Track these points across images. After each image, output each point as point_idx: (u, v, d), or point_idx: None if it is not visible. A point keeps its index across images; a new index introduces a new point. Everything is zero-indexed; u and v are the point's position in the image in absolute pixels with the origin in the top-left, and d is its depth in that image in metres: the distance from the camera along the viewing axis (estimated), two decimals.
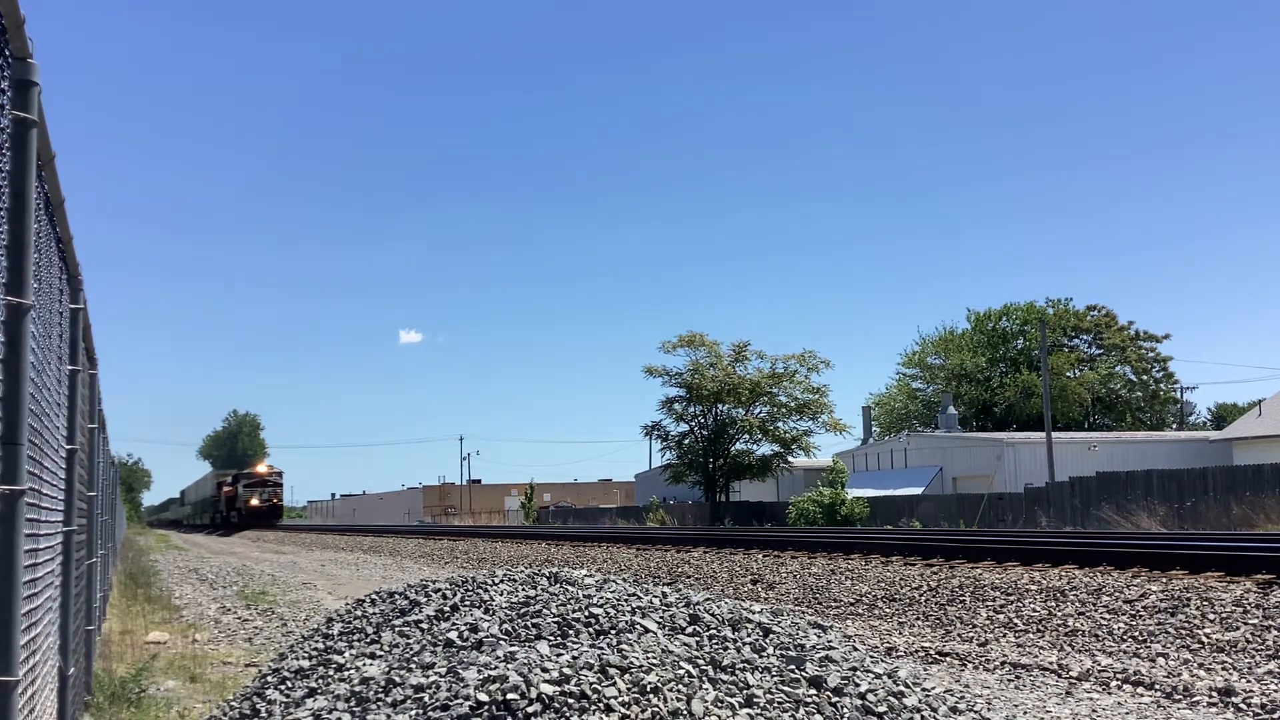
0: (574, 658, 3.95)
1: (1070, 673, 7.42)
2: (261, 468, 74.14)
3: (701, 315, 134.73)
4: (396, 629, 5.06)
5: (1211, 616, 8.75)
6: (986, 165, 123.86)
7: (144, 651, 9.50)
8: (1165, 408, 70.07)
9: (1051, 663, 7.82)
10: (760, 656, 4.32)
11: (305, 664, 4.88)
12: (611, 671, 3.80)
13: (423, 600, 5.48)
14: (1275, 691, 6.47)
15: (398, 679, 4.04)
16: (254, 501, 68.72)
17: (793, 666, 4.24)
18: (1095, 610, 9.58)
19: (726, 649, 4.37)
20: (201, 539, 55.00)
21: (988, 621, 9.98)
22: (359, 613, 5.60)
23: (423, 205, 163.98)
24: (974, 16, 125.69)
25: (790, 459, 51.69)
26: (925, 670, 7.75)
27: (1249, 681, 6.82)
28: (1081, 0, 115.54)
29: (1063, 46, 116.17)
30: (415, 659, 4.32)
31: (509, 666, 3.86)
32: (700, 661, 4.10)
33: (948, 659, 8.30)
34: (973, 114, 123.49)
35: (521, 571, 5.82)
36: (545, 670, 3.79)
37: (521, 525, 56.22)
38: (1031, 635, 9.23)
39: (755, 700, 3.87)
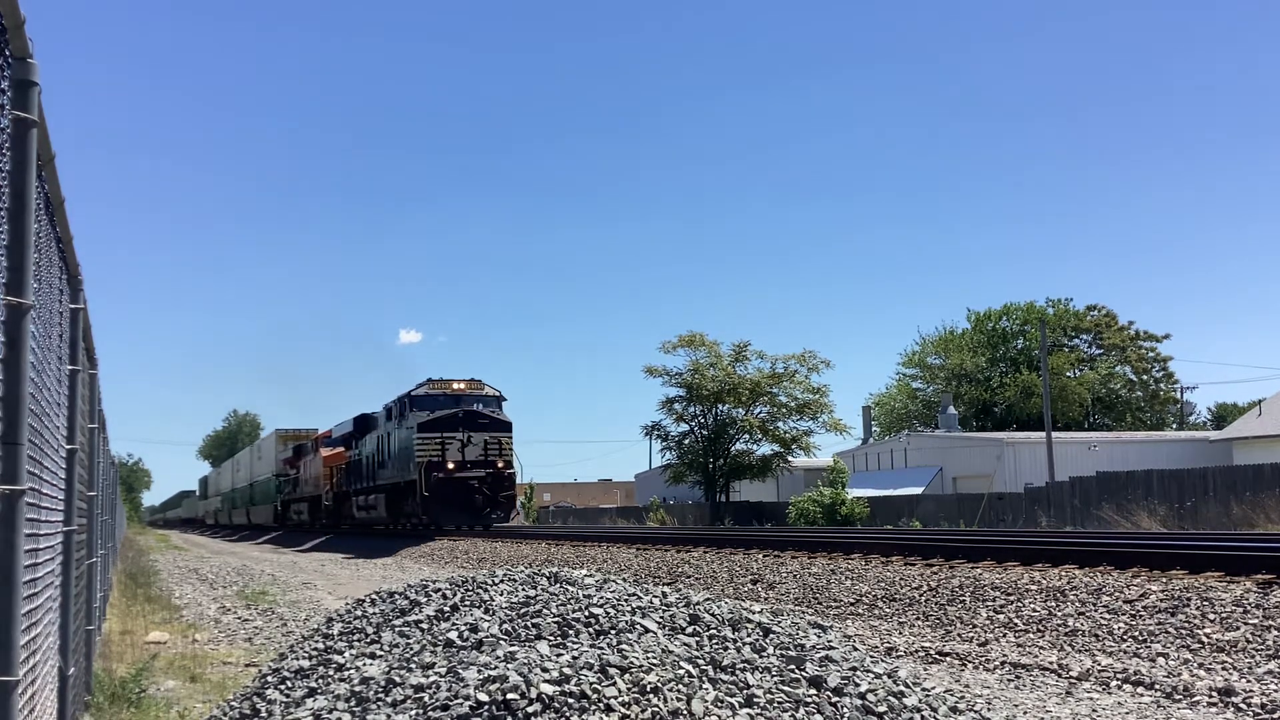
0: (574, 658, 3.95)
1: (1070, 673, 7.42)
2: (458, 381, 31.73)
3: (701, 315, 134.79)
4: (396, 629, 5.06)
5: (1211, 616, 8.74)
6: (986, 164, 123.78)
7: (144, 651, 9.50)
8: (1165, 408, 70.07)
9: (1051, 663, 7.82)
10: (760, 656, 4.32)
11: (305, 664, 4.88)
12: (611, 671, 3.80)
13: (423, 600, 5.48)
14: (1275, 691, 6.47)
15: (398, 679, 4.04)
16: (450, 465, 30.16)
17: (793, 666, 4.24)
18: (1095, 610, 9.58)
19: (726, 649, 4.37)
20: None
21: (988, 621, 9.98)
22: (359, 613, 5.60)
23: (423, 204, 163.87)
24: (974, 12, 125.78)
25: (790, 459, 51.73)
26: (925, 670, 7.75)
27: (1249, 681, 6.82)
28: None
29: (1063, 44, 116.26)
30: (415, 659, 4.31)
31: (509, 666, 3.86)
32: (700, 661, 4.10)
33: (948, 659, 8.31)
34: (973, 113, 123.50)
35: (521, 571, 5.82)
36: (545, 670, 3.79)
37: (521, 525, 56.12)
38: (1031, 635, 9.23)
39: (755, 700, 3.87)
